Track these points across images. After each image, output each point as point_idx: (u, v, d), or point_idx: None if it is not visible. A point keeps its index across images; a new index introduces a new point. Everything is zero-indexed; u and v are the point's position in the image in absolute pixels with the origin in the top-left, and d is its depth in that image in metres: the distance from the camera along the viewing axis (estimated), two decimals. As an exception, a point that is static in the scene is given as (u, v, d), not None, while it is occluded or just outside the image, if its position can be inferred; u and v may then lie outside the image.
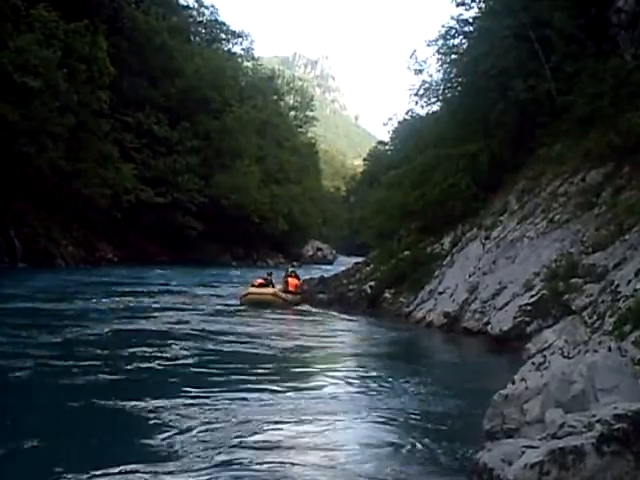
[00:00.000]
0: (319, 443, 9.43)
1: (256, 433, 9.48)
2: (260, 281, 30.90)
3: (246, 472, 7.92)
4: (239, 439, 9.10)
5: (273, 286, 31.11)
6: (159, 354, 15.43)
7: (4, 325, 18.17)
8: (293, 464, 8.33)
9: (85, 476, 7.58)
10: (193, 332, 19.59)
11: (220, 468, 7.96)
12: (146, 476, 7.62)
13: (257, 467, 8.06)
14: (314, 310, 29.07)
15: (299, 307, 30.35)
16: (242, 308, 27.94)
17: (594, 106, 23.88)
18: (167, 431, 9.25)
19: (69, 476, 7.56)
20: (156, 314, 23.35)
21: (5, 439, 8.51)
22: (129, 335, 18.18)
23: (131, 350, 15.57)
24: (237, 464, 8.13)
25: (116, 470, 7.73)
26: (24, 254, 45.21)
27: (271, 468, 8.07)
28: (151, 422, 9.72)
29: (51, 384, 11.84)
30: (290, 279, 32.60)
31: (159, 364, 14.30)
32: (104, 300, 26.66)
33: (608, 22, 28.45)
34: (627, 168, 20.59)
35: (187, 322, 21.97)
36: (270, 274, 32.60)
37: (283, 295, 30.64)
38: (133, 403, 10.55)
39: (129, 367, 13.53)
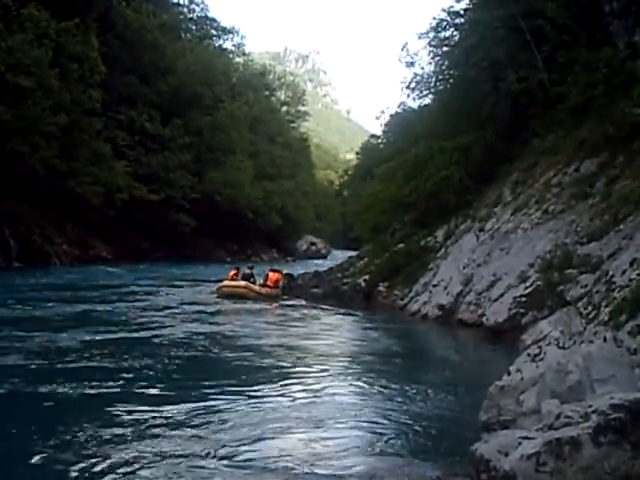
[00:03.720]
0: (313, 438, 9.43)
1: (254, 436, 9.37)
2: (234, 272, 32.16)
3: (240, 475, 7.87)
4: (232, 443, 8.99)
5: (254, 280, 32.06)
6: (143, 358, 15.14)
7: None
8: (293, 463, 8.32)
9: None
10: (183, 331, 19.19)
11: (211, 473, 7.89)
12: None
13: (254, 471, 8.00)
14: (309, 304, 29.03)
15: (288, 301, 30.58)
16: (236, 305, 27.83)
17: (587, 96, 23.88)
18: (158, 437, 9.15)
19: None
20: (143, 318, 22.80)
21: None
22: (105, 342, 16.75)
23: (108, 358, 14.65)
24: (229, 469, 8.05)
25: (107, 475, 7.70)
26: (19, 253, 45.14)
27: (273, 472, 8.00)
28: (143, 429, 9.59)
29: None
30: (271, 273, 33.33)
31: (143, 369, 14.02)
32: (86, 303, 25.40)
33: (600, 11, 28.46)
34: (621, 158, 20.57)
35: (178, 320, 21.90)
36: (251, 267, 33.94)
37: (256, 288, 31.25)
38: (115, 411, 10.38)
39: (102, 376, 12.66)
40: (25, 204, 48.37)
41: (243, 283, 31.17)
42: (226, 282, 31.25)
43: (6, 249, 44.38)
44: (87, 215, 56.07)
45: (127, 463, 7.99)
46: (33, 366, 13.21)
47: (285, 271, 37.11)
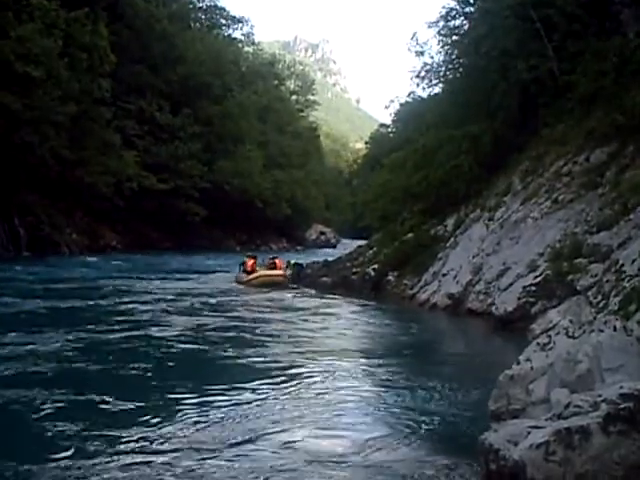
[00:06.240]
0: (323, 431, 9.46)
1: (260, 430, 9.29)
2: (252, 261, 32.99)
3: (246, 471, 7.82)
4: (235, 442, 8.84)
5: None
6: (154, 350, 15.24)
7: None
8: (302, 455, 8.35)
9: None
10: (191, 325, 19.11)
11: (217, 467, 7.85)
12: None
13: (260, 466, 7.95)
14: (318, 294, 29.05)
15: (297, 290, 30.77)
16: (241, 294, 27.85)
17: (597, 85, 23.80)
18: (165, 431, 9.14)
19: None
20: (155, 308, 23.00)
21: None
22: (115, 340, 16.23)
23: (114, 351, 14.62)
24: (236, 463, 8.01)
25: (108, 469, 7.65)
26: (29, 242, 45.32)
27: (280, 467, 7.93)
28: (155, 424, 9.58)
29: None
30: (277, 260, 34.21)
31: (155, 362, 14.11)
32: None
33: (610, 0, 28.32)
34: (631, 147, 20.49)
35: (186, 311, 21.96)
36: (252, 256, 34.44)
37: (287, 275, 32.79)
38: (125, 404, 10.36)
39: (105, 370, 12.77)
40: (35, 194, 48.55)
41: (281, 272, 32.61)
42: (263, 272, 32.08)
43: (16, 238, 44.57)
44: (96, 204, 56.26)
45: (126, 461, 7.91)
46: (19, 370, 12.26)
47: (293, 260, 37.33)
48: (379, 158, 67.88)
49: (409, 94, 59.70)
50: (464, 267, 24.54)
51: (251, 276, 31.39)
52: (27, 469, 7.60)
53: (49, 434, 8.87)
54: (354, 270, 31.62)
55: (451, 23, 38.56)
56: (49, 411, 9.84)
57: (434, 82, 42.18)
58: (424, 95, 50.49)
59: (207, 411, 10.08)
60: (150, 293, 26.63)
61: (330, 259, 38.54)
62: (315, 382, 12.36)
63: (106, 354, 14.21)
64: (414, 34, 40.96)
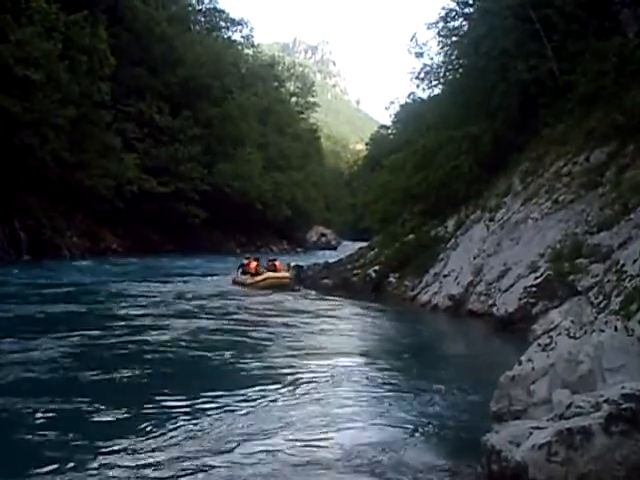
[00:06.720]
0: (325, 430, 9.46)
1: (263, 436, 9.25)
2: (255, 264, 32.78)
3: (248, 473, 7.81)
4: (239, 439, 8.93)
5: None
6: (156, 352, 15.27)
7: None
8: (303, 456, 8.35)
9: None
10: (192, 324, 19.35)
11: (214, 471, 7.82)
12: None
13: (256, 470, 7.89)
14: (319, 296, 28.99)
15: (298, 292, 30.72)
16: (243, 296, 27.75)
17: (597, 85, 23.78)
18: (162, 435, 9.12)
19: None
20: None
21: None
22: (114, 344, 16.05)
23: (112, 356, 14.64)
24: (234, 467, 7.96)
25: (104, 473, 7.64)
26: (29, 246, 45.26)
27: (275, 470, 7.91)
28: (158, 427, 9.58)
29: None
30: (277, 263, 33.87)
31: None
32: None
33: (610, 0, 28.32)
34: (631, 147, 20.47)
35: (185, 314, 21.89)
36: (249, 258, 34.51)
37: (291, 277, 32.56)
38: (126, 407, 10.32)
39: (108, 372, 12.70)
40: (35, 197, 48.52)
41: (287, 274, 32.63)
42: (270, 274, 31.91)
43: (16, 242, 44.53)
44: (97, 207, 56.23)
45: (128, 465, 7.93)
46: (14, 376, 12.01)
47: (294, 262, 37.35)
48: (379, 159, 67.85)
49: (409, 95, 59.75)
50: (465, 268, 24.54)
51: (258, 278, 31.19)
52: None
53: (42, 441, 8.80)
54: (355, 272, 31.58)
55: (450, 24, 38.57)
56: (43, 418, 9.76)
57: (434, 83, 42.21)
58: (424, 96, 50.56)
59: (205, 416, 10.02)
60: (150, 297, 26.43)
61: (331, 261, 38.47)
62: (315, 384, 12.30)
63: (103, 359, 14.10)
64: (414, 35, 41.21)
